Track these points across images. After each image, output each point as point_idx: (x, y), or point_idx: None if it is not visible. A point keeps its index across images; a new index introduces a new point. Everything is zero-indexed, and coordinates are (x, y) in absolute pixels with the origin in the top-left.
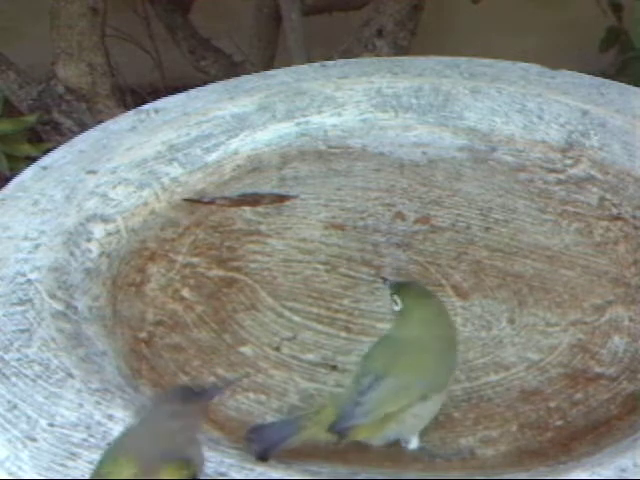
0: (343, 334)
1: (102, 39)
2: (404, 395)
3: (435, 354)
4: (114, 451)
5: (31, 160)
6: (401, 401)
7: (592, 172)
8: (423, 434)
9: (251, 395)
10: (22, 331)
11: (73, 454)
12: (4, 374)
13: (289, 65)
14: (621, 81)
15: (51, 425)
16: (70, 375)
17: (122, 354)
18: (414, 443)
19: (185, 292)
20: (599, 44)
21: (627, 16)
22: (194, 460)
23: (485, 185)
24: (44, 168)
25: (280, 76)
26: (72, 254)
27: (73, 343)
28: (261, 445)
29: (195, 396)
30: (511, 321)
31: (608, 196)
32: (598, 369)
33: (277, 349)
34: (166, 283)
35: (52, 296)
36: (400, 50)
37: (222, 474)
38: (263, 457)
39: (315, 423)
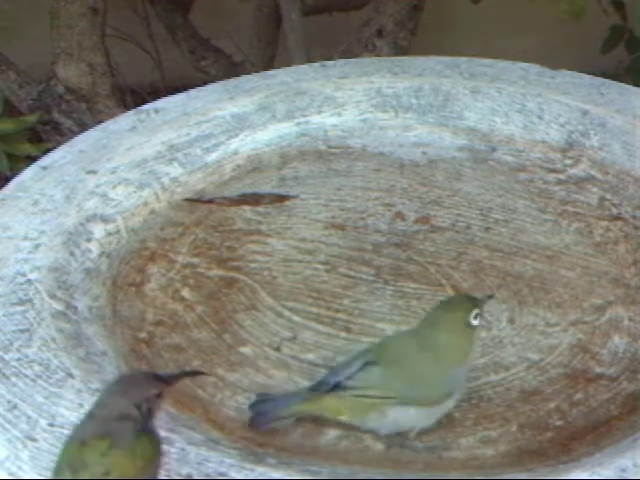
0: (343, 334)
1: (102, 39)
2: (382, 391)
3: (432, 370)
4: (77, 438)
5: (31, 160)
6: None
7: (592, 172)
8: (422, 433)
9: (251, 396)
10: (22, 331)
11: None
12: (4, 374)
13: (289, 65)
14: (630, 81)
15: (51, 425)
16: (70, 375)
17: (122, 354)
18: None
19: (185, 292)
20: (602, 44)
21: (629, 14)
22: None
23: (485, 185)
24: (44, 168)
25: (280, 76)
26: (72, 254)
27: (73, 343)
28: (260, 413)
29: (154, 380)
30: (511, 321)
31: (608, 196)
32: (598, 369)
33: (277, 349)
34: (166, 283)
35: (52, 296)
36: (400, 50)
37: (222, 474)
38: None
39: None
